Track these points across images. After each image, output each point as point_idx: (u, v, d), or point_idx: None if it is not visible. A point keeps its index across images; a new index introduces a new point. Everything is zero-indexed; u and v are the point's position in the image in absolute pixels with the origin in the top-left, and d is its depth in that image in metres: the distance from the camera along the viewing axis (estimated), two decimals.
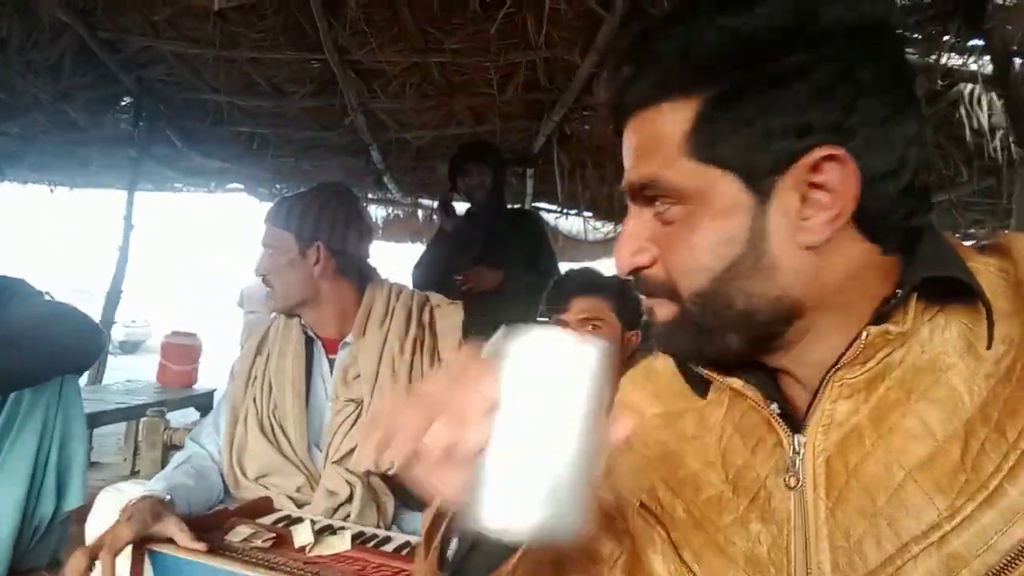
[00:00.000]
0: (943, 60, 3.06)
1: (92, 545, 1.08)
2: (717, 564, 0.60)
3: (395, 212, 6.38)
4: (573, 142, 4.44)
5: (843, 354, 0.53)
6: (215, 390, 3.73)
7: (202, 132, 4.42)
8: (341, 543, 1.19)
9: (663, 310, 0.59)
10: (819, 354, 0.56)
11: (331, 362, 1.56)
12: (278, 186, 5.48)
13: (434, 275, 2.94)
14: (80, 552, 1.07)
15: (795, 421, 0.58)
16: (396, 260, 5.73)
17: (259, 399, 1.51)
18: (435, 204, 6.04)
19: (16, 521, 1.41)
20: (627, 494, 0.71)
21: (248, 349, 1.61)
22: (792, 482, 0.56)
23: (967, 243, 0.58)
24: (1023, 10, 2.41)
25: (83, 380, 3.30)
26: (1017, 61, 2.62)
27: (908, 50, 3.06)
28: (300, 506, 1.42)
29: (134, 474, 3.45)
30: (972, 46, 3.00)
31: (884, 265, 0.55)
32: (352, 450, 1.43)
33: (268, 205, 1.63)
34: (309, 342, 1.58)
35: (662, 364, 0.74)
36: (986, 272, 0.53)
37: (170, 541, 1.13)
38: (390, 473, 1.43)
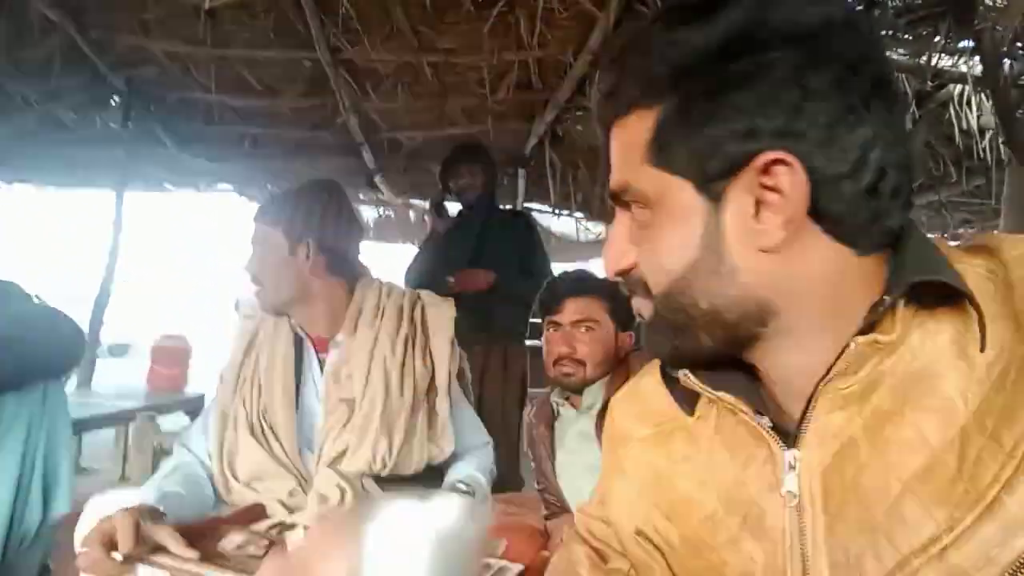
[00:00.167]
0: (933, 61, 3.08)
1: (98, 535, 1.06)
2: None
3: (386, 213, 6.36)
4: (565, 143, 4.45)
5: (833, 364, 0.53)
6: (204, 394, 3.71)
7: (192, 132, 4.39)
8: None
9: (645, 310, 0.61)
10: (805, 358, 0.55)
11: (321, 362, 1.54)
12: (269, 186, 5.44)
13: (426, 277, 2.93)
14: (91, 542, 1.05)
15: (786, 434, 0.57)
16: (387, 261, 5.72)
17: (248, 401, 1.49)
18: (427, 205, 6.05)
19: (3, 529, 1.39)
20: (624, 521, 0.71)
21: (237, 350, 1.59)
22: (789, 498, 0.55)
23: (953, 244, 0.58)
24: (1013, 11, 2.42)
25: (72, 384, 3.27)
26: (1007, 62, 2.64)
27: (899, 51, 3.10)
28: (292, 512, 1.40)
29: (124, 480, 3.41)
30: (962, 47, 3.02)
31: (864, 268, 0.54)
32: (344, 452, 1.41)
33: (257, 205, 1.61)
34: (299, 342, 1.56)
35: (648, 384, 0.74)
36: (973, 274, 0.53)
37: (163, 549, 1.11)
38: (384, 475, 1.42)
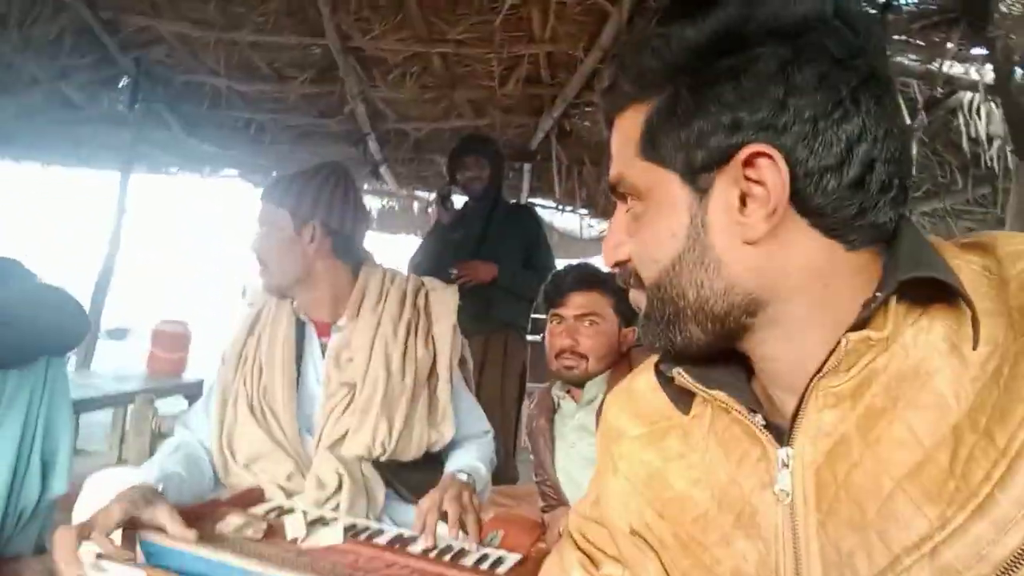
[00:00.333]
0: (945, 68, 3.07)
1: (82, 524, 1.05)
2: None
3: (390, 204, 6.35)
4: (572, 138, 4.43)
5: (825, 361, 0.53)
6: (203, 380, 3.71)
7: (199, 116, 4.39)
8: (333, 535, 1.18)
9: (641, 302, 0.62)
10: (797, 351, 0.56)
11: (323, 346, 1.53)
12: (274, 173, 5.44)
13: (429, 268, 2.93)
14: (68, 529, 1.04)
15: (779, 432, 0.57)
16: (390, 251, 5.71)
17: (249, 382, 1.49)
18: (431, 197, 6.04)
19: (1, 506, 1.40)
20: (617, 520, 0.71)
21: (239, 332, 1.59)
22: (782, 496, 0.55)
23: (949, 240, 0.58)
24: None
25: (71, 365, 3.27)
26: (1019, 71, 2.63)
27: (911, 56, 3.08)
28: (290, 496, 1.40)
29: (121, 462, 3.41)
30: (975, 54, 3.00)
31: (856, 263, 0.54)
32: (344, 435, 1.41)
33: (265, 187, 1.60)
34: (300, 326, 1.55)
35: (642, 383, 0.74)
36: (968, 270, 0.52)
37: (161, 530, 1.11)
38: (383, 460, 1.42)
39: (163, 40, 3.68)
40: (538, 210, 4.83)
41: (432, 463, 1.51)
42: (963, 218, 5.06)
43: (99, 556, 1.02)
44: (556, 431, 1.74)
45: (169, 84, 4.13)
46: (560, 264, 3.00)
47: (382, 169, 5.01)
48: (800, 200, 0.53)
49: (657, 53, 0.56)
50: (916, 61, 3.16)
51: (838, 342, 0.52)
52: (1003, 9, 2.43)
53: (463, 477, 1.36)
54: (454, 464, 1.46)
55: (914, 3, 2.83)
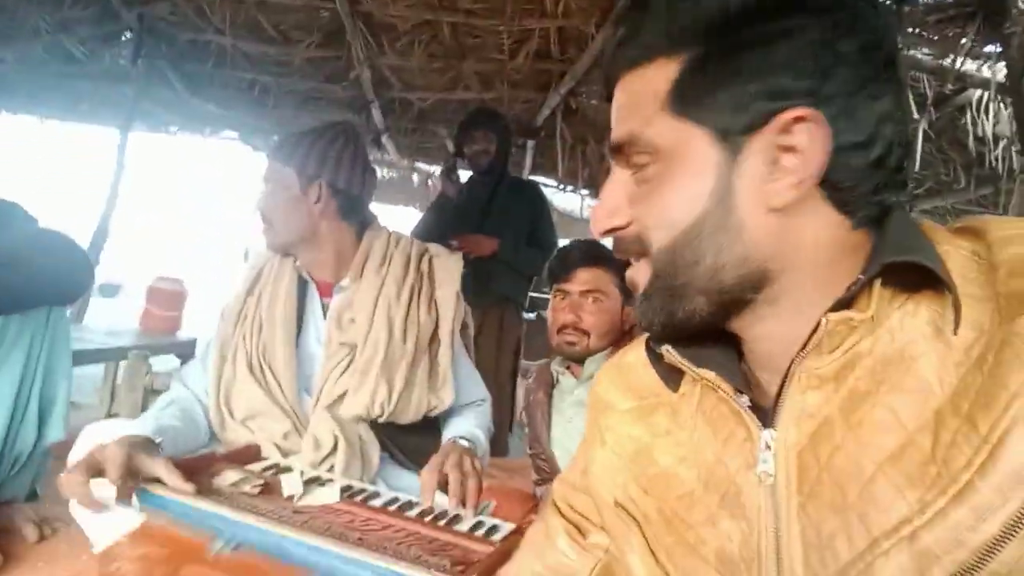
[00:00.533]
0: (957, 64, 3.05)
1: (87, 459, 1.06)
2: (689, 564, 0.60)
3: (389, 174, 6.31)
4: (577, 117, 4.41)
5: (807, 341, 0.53)
6: (197, 339, 3.70)
7: (202, 75, 4.33)
8: (330, 495, 1.18)
9: (640, 274, 0.60)
10: (789, 331, 0.55)
11: (324, 306, 1.53)
12: (275, 136, 5.39)
13: (431, 239, 2.92)
14: (78, 467, 1.05)
15: (765, 415, 0.57)
16: (388, 222, 5.68)
17: (248, 338, 1.48)
18: (432, 169, 6.01)
19: None
20: (603, 491, 0.71)
21: (239, 289, 1.58)
22: (764, 477, 0.55)
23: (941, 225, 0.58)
24: None
25: None
26: None
27: (924, 51, 3.07)
28: (286, 455, 1.40)
29: (111, 416, 3.41)
30: (988, 52, 2.99)
31: (854, 242, 0.55)
32: (342, 395, 1.41)
33: (262, 155, 1.59)
34: (303, 285, 1.55)
35: (634, 357, 0.73)
36: (958, 255, 0.52)
37: (157, 481, 1.11)
38: (381, 421, 1.42)
39: None
40: None
41: (430, 428, 1.51)
42: (964, 217, 5.08)
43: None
44: (554, 406, 1.74)
45: (173, 41, 4.06)
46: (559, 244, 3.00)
47: (384, 138, 4.97)
48: (825, 172, 0.53)
49: (694, 8, 0.55)
50: (928, 55, 3.14)
51: (818, 322, 0.52)
52: (1021, 5, 2.41)
53: (464, 443, 1.36)
54: (454, 430, 1.46)
55: None
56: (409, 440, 1.47)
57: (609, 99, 0.63)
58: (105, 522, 1.09)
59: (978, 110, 3.56)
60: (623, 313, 1.66)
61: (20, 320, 1.41)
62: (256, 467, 1.31)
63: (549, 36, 3.50)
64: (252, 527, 0.99)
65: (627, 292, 1.66)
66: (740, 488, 0.57)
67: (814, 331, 0.52)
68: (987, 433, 0.45)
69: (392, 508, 1.18)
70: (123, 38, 4.12)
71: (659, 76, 0.56)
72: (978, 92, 3.45)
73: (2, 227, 1.42)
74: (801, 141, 0.52)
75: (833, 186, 0.53)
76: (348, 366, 1.43)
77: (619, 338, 1.65)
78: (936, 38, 2.99)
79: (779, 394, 0.55)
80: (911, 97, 3.37)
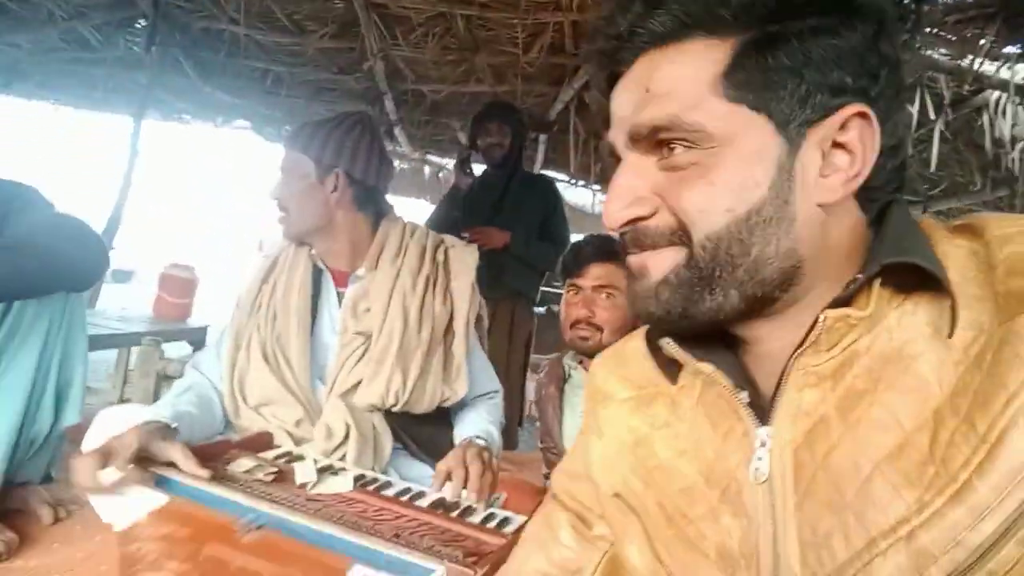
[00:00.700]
0: (976, 65, 3.02)
1: (100, 449, 1.06)
2: (689, 559, 0.59)
3: (400, 166, 6.31)
4: (591, 111, 4.38)
5: (805, 338, 0.53)
6: (208, 326, 3.72)
7: (215, 64, 4.33)
8: (343, 484, 1.19)
9: (664, 262, 0.57)
10: (795, 329, 0.55)
11: (340, 295, 1.53)
12: (287, 127, 5.40)
13: (444, 231, 2.92)
14: (86, 455, 1.05)
15: (763, 411, 0.56)
16: (401, 214, 5.68)
17: (263, 326, 1.50)
18: (443, 162, 6.00)
19: (13, 432, 1.40)
20: (602, 483, 0.71)
21: (254, 279, 1.59)
22: (759, 475, 0.55)
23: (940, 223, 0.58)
24: None
25: None
26: None
27: (942, 51, 3.04)
28: (299, 443, 1.41)
29: (123, 401, 3.44)
30: (1007, 53, 2.96)
31: (865, 239, 0.56)
32: (358, 384, 1.42)
33: (275, 145, 1.60)
34: (318, 274, 1.55)
35: (633, 347, 0.72)
36: (956, 254, 0.52)
37: (173, 466, 1.12)
38: (395, 410, 1.42)
39: None
40: None
41: (443, 419, 1.52)
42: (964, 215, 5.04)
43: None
44: (566, 400, 1.74)
45: (187, 29, 4.06)
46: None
47: (396, 130, 4.97)
48: None
49: None
50: (946, 56, 3.11)
51: (816, 318, 0.52)
52: None
53: (480, 442, 1.37)
54: (470, 429, 1.46)
55: None
56: (422, 430, 1.48)
57: (610, 79, 0.60)
58: (122, 503, 1.10)
59: (995, 111, 3.53)
60: None
61: (37, 305, 1.42)
62: (269, 455, 1.32)
63: (563, 30, 3.48)
64: (266, 515, 1.00)
65: None
66: (741, 484, 0.57)
67: (811, 328, 0.52)
68: (985, 432, 0.45)
69: (404, 498, 1.19)
70: (137, 25, 4.13)
71: (703, 57, 0.54)
72: (996, 93, 3.41)
73: (20, 212, 1.43)
74: (853, 139, 0.53)
75: (865, 185, 0.54)
76: (363, 355, 1.43)
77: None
78: (954, 38, 2.96)
79: (776, 391, 0.55)
80: (928, 97, 3.36)
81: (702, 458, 0.60)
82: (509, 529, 1.10)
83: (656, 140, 0.56)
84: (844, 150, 0.53)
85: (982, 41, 2.83)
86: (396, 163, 6.24)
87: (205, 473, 1.09)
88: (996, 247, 0.51)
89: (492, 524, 1.12)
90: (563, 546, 0.75)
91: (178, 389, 1.46)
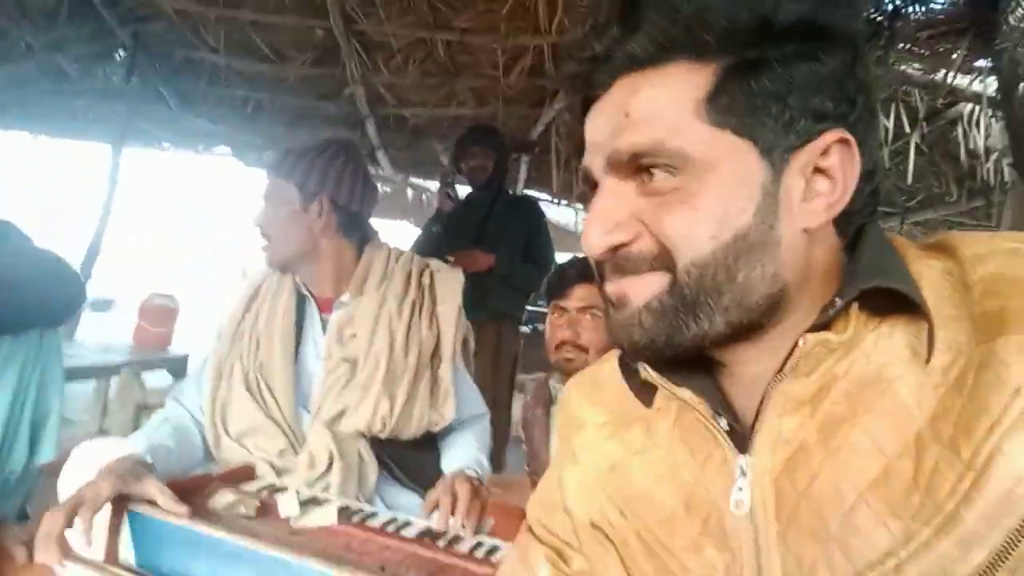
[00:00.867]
0: (949, 78, 3.08)
1: (71, 502, 1.03)
2: None
3: (384, 189, 6.32)
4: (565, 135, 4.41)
5: (784, 363, 0.52)
6: (189, 355, 3.68)
7: (196, 93, 4.33)
8: (327, 516, 1.16)
9: (646, 288, 0.54)
10: (775, 356, 0.54)
11: (324, 322, 1.52)
12: (268, 152, 5.39)
13: (429, 254, 2.92)
14: (58, 510, 1.02)
15: (742, 438, 0.55)
16: (383, 237, 5.68)
17: (245, 356, 1.47)
18: (426, 184, 6.01)
19: None
20: (579, 512, 0.69)
21: (236, 307, 1.56)
22: (740, 505, 0.53)
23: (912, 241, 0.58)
24: None
25: None
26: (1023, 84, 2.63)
27: (916, 66, 3.10)
28: (281, 474, 1.38)
29: (102, 433, 3.38)
30: (979, 66, 3.02)
31: (841, 262, 0.55)
32: (343, 411, 1.40)
33: (256, 171, 1.59)
34: (301, 300, 1.53)
35: (607, 371, 0.71)
36: (929, 274, 0.51)
37: (150, 503, 1.09)
38: (382, 437, 1.40)
39: (162, 15, 3.62)
40: None
41: (430, 444, 1.50)
42: (956, 230, 5.10)
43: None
44: (552, 422, 1.73)
45: (167, 59, 4.06)
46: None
47: (379, 154, 4.98)
48: None
49: (728, 15, 0.51)
50: (920, 70, 3.17)
51: (795, 343, 0.51)
52: (1012, 21, 2.43)
53: (471, 474, 1.35)
54: (460, 460, 1.44)
55: (922, 12, 2.83)
56: (408, 457, 1.46)
57: (585, 103, 0.58)
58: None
59: (969, 123, 3.59)
60: None
61: (11, 342, 1.39)
62: (251, 487, 1.30)
63: (543, 53, 3.51)
64: (248, 551, 0.97)
65: None
66: (722, 514, 0.55)
67: (790, 353, 0.51)
68: (970, 459, 0.44)
69: (390, 529, 1.17)
70: (117, 56, 4.12)
71: (685, 81, 0.52)
72: (969, 106, 3.48)
73: None
74: (834, 164, 0.52)
75: (843, 210, 0.53)
76: (349, 381, 1.42)
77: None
78: (928, 53, 3.02)
79: (756, 418, 0.54)
80: (903, 111, 3.41)
81: (680, 483, 0.59)
82: (497, 557, 1.08)
83: (636, 165, 0.54)
84: (825, 176, 0.53)
85: (955, 55, 2.88)
86: (379, 185, 6.24)
87: (184, 510, 1.06)
88: (970, 267, 0.50)
89: (480, 553, 1.10)
90: None
91: (155, 421, 1.43)
